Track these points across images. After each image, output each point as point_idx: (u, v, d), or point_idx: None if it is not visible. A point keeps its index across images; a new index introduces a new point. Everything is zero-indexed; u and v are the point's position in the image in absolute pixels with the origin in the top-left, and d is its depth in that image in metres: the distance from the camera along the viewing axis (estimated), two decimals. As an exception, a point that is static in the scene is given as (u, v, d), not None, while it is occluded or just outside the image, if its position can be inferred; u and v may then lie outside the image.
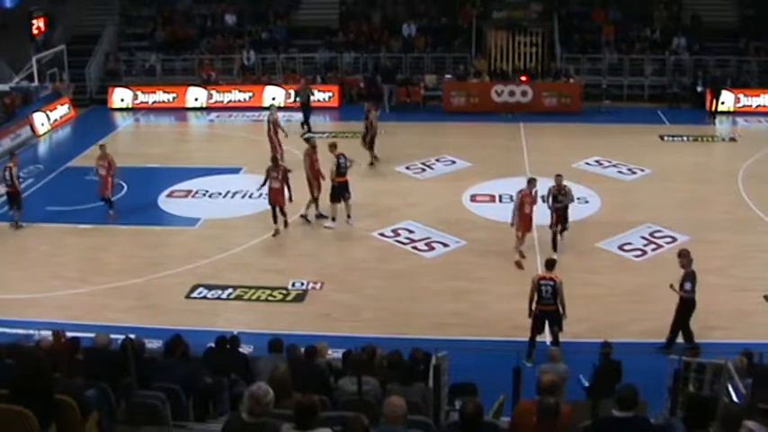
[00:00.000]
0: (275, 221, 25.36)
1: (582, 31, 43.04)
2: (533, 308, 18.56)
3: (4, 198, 27.22)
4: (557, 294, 18.41)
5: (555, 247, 23.53)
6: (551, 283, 18.50)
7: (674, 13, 43.31)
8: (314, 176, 26.20)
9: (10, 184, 26.58)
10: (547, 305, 18.47)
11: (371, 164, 31.52)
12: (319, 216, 26.60)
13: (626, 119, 37.43)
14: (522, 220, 23.08)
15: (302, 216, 26.49)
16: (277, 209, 25.29)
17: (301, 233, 25.84)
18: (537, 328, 18.64)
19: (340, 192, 26.01)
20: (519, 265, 23.12)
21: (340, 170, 25.90)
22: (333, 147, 26.38)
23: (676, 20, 43.04)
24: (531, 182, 23.45)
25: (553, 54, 41.55)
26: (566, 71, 40.10)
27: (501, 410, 14.37)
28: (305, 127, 35.89)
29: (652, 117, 37.91)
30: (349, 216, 26.21)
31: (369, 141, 31.56)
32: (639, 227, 25.19)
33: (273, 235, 25.32)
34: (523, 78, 40.00)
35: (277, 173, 25.28)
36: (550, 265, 18.86)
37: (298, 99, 38.33)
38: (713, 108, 38.02)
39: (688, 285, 18.58)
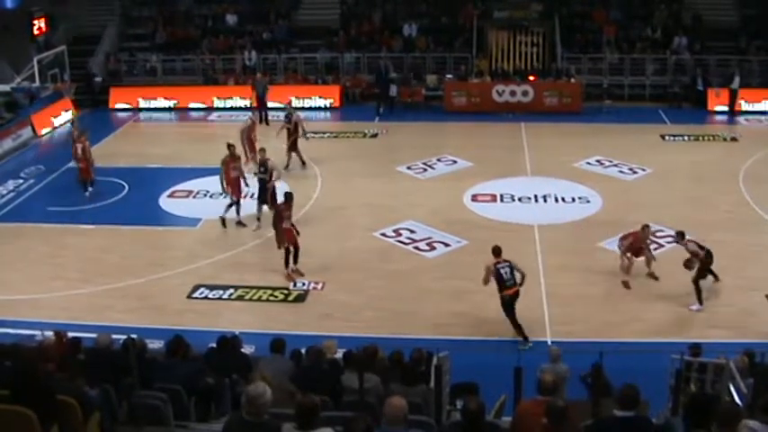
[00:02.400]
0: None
1: (583, 30, 43.01)
2: (500, 295, 19.21)
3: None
4: (514, 274, 19.10)
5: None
6: (507, 264, 19.24)
7: (674, 12, 43.28)
8: (228, 182, 26.26)
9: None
10: (510, 288, 19.15)
11: (287, 167, 30.92)
12: (239, 223, 26.58)
13: (627, 118, 37.41)
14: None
15: (221, 218, 26.55)
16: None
17: (302, 234, 25.77)
18: (511, 312, 19.25)
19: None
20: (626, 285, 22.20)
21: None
22: (262, 151, 26.67)
23: (677, 19, 43.01)
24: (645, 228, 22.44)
25: (554, 54, 41.52)
26: (567, 71, 40.09)
27: (502, 410, 14.39)
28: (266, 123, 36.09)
29: (653, 117, 37.90)
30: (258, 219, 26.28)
31: (291, 143, 31.20)
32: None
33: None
34: (531, 78, 39.97)
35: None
36: (498, 251, 19.41)
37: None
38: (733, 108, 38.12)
39: None
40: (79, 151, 28.80)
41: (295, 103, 38.35)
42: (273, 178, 26.05)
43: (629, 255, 22.29)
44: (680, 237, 21.17)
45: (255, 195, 26.34)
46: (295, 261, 23.04)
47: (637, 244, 22.37)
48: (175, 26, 46.47)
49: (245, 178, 26.27)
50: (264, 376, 11.55)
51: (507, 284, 19.11)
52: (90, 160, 29.03)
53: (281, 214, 23.15)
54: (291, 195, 23.57)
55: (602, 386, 13.76)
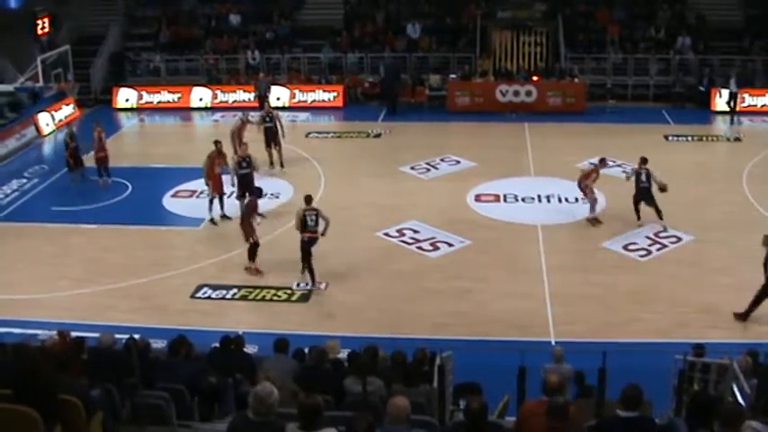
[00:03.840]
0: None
1: (586, 30, 42.98)
2: (302, 236, 22.10)
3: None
4: (318, 221, 22.08)
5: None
6: (314, 212, 22.15)
7: (678, 12, 43.26)
8: (211, 178, 26.55)
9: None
10: (312, 232, 22.09)
11: (272, 164, 31.23)
12: (224, 216, 26.92)
13: (630, 119, 37.37)
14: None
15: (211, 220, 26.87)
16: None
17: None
18: (307, 255, 22.17)
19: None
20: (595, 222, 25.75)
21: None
22: (244, 146, 27.15)
23: (681, 19, 42.99)
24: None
25: (557, 54, 41.50)
26: (570, 71, 40.06)
27: (506, 410, 14.40)
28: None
29: (657, 117, 37.86)
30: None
31: (278, 143, 31.17)
32: (644, 227, 25.16)
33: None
34: (535, 78, 39.95)
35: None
36: (308, 199, 22.50)
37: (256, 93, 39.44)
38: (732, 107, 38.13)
39: None
40: (99, 140, 29.66)
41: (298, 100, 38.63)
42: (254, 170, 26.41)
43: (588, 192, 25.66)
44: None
45: (236, 193, 26.47)
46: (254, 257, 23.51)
47: (588, 179, 25.80)
48: (179, 26, 46.49)
49: (238, 175, 26.25)
50: (269, 376, 11.55)
51: (308, 228, 21.99)
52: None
53: (254, 209, 23.55)
54: (261, 191, 24.74)
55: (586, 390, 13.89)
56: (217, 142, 27.20)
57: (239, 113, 32.68)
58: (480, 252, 24.22)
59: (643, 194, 25.26)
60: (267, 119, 30.85)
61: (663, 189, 25.18)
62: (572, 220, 26.26)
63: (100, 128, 30.24)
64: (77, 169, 29.75)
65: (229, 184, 26.51)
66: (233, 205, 26.34)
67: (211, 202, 26.86)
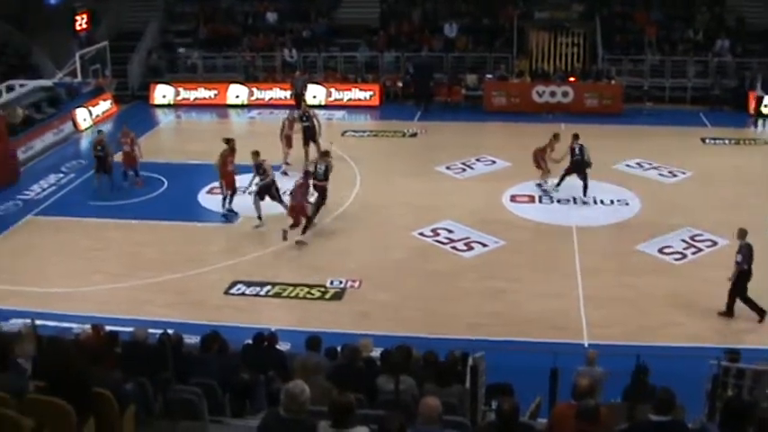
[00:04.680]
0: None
1: (624, 31, 42.78)
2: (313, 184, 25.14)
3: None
4: (327, 173, 25.40)
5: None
6: (324, 165, 25.41)
7: (717, 14, 42.95)
8: (223, 175, 26.94)
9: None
10: (320, 181, 25.27)
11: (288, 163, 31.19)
12: (230, 211, 27.17)
13: (667, 121, 37.15)
14: None
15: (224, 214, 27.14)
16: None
17: (340, 232, 25.86)
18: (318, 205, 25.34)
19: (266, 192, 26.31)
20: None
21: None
22: (256, 155, 26.59)
23: (720, 21, 42.67)
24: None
25: (595, 55, 41.34)
26: (607, 72, 39.90)
27: (537, 412, 14.35)
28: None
29: (694, 119, 37.58)
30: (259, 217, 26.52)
31: (316, 141, 31.09)
32: (680, 230, 25.03)
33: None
34: (572, 79, 39.82)
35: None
36: (326, 153, 26.33)
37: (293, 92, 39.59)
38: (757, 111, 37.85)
39: (739, 257, 19.79)
40: (129, 141, 29.84)
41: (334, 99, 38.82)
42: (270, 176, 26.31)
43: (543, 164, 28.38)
44: None
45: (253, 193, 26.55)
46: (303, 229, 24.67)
47: (544, 153, 28.42)
48: (216, 23, 46.66)
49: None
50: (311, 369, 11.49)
51: (318, 178, 25.34)
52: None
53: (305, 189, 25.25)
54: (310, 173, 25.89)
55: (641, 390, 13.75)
56: (229, 140, 27.45)
57: (287, 112, 32.76)
58: (515, 253, 24.16)
59: (576, 166, 27.72)
60: (304, 118, 30.95)
61: (589, 165, 27.65)
62: (607, 223, 26.15)
63: (127, 129, 30.54)
64: (102, 174, 29.58)
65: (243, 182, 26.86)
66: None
67: (224, 198, 27.15)
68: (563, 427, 9.74)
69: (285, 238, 24.60)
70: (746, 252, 19.89)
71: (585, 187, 27.48)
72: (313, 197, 25.53)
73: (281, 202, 26.14)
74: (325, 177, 25.81)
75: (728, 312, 20.22)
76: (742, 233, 20.19)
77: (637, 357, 15.02)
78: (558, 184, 28.08)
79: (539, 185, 28.60)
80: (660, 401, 9.40)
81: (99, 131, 31.55)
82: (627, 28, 43.09)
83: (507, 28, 42.93)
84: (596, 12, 42.47)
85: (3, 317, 18.01)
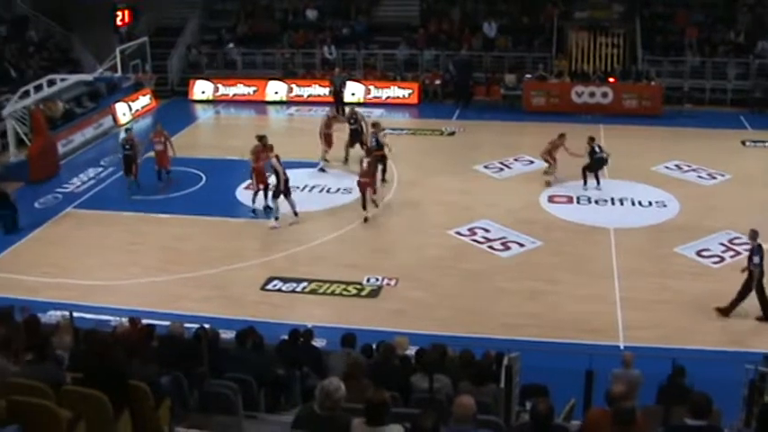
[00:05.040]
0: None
1: (664, 32, 42.45)
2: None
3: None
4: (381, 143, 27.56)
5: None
6: (375, 136, 27.79)
7: (758, 16, 42.56)
8: (255, 171, 26.96)
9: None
10: (378, 150, 27.04)
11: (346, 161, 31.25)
12: (268, 207, 26.92)
13: (707, 123, 36.85)
14: None
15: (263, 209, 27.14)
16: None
17: (377, 229, 25.88)
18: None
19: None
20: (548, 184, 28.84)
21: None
22: (270, 148, 26.77)
23: (761, 23, 42.29)
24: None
25: (635, 55, 41.10)
26: (647, 73, 39.66)
27: (572, 414, 14.30)
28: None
29: (734, 122, 37.27)
30: (295, 213, 26.53)
31: (363, 143, 30.57)
32: (718, 233, 24.84)
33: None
34: (611, 80, 39.61)
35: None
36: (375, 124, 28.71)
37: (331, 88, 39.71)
38: None
39: (756, 259, 19.76)
40: (163, 140, 29.52)
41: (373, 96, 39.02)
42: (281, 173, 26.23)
43: (548, 158, 29.38)
44: None
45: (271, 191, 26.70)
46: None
47: (553, 150, 29.28)
48: (256, 20, 46.81)
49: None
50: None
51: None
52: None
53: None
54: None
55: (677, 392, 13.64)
56: (261, 137, 27.48)
57: (326, 109, 32.79)
58: (552, 253, 24.08)
59: (599, 163, 28.62)
60: (352, 120, 31.04)
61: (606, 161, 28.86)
62: (645, 224, 25.99)
63: (161, 127, 30.38)
64: (130, 176, 29.33)
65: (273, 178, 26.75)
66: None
67: (255, 194, 27.21)
68: (596, 431, 9.68)
69: (377, 205, 26.90)
70: (760, 252, 19.92)
71: (598, 181, 28.76)
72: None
73: (288, 200, 26.33)
74: (380, 147, 28.21)
75: (765, 316, 20.07)
76: (755, 234, 20.22)
77: (672, 360, 14.95)
78: (591, 182, 28.47)
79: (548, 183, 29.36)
80: (696, 405, 9.33)
81: (127, 129, 31.46)
82: (667, 29, 42.74)
83: (547, 27, 42.77)
84: (637, 12, 42.20)
85: (41, 308, 18.06)
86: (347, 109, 33.10)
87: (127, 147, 29.13)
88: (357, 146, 30.62)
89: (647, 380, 15.03)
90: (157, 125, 30.53)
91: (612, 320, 20.19)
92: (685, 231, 24.98)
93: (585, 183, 28.50)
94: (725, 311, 20.25)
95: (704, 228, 24.98)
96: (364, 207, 26.17)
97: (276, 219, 26.06)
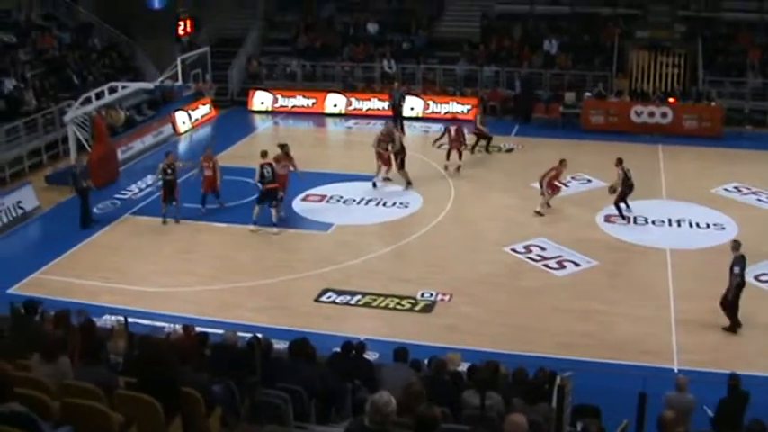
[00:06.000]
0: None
1: (726, 53, 42.10)
2: (262, 188, 26.42)
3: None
4: (275, 175, 26.42)
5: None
6: (270, 167, 26.47)
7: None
8: (277, 179, 27.14)
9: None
10: (270, 184, 26.33)
11: (409, 184, 30.68)
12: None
13: (768, 146, 36.51)
14: None
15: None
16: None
17: (433, 244, 25.86)
18: (265, 202, 26.63)
19: (268, 197, 26.81)
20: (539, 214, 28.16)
21: (266, 178, 26.59)
22: (263, 155, 27.31)
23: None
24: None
25: (695, 76, 40.80)
26: (708, 94, 39.32)
27: (624, 435, 14.18)
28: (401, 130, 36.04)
29: (796, 145, 36.85)
30: (275, 222, 27.06)
31: (399, 163, 30.54)
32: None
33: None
34: (671, 100, 39.30)
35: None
36: (264, 154, 26.97)
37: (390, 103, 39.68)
38: None
39: (737, 269, 20.13)
40: (212, 165, 28.53)
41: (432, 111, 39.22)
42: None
43: (549, 190, 28.29)
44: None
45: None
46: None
47: (556, 179, 28.43)
48: (317, 32, 47.03)
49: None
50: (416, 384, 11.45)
51: (266, 181, 26.27)
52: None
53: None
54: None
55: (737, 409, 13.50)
56: (283, 146, 28.04)
57: (383, 124, 32.75)
58: (607, 273, 23.95)
59: (630, 189, 27.56)
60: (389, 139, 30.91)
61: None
62: (702, 247, 25.74)
63: (211, 152, 29.43)
64: (169, 202, 27.82)
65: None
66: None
67: (281, 200, 27.64)
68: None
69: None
70: (742, 263, 20.24)
71: (626, 207, 28.06)
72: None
73: (277, 210, 27.08)
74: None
75: (732, 327, 20.54)
76: (736, 245, 20.57)
77: (729, 385, 14.79)
78: (628, 208, 28.03)
79: (538, 212, 28.21)
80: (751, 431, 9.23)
81: (168, 153, 28.98)
82: (729, 50, 42.37)
83: (608, 46, 42.58)
84: (698, 33, 41.88)
85: (96, 313, 18.26)
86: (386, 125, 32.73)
87: (169, 171, 27.57)
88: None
89: (701, 404, 14.89)
90: (208, 149, 29.63)
91: (667, 343, 20.02)
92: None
93: (622, 213, 27.81)
94: (731, 328, 20.48)
95: (763, 252, 24.61)
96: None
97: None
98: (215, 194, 28.87)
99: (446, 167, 32.14)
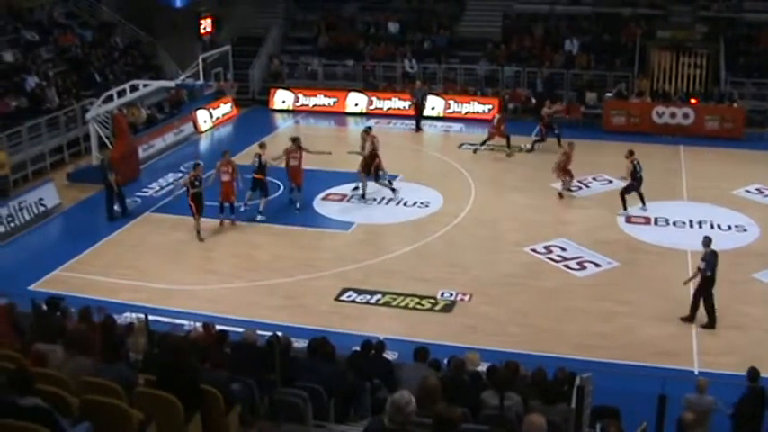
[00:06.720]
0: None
1: (748, 54, 41.91)
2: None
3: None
4: (263, 167, 27.45)
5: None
6: (257, 158, 27.53)
7: None
8: (289, 170, 28.37)
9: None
10: (257, 174, 27.50)
11: (363, 197, 29.75)
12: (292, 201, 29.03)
13: (790, 147, 36.30)
14: None
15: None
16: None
17: (453, 244, 25.84)
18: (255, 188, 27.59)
19: (258, 186, 27.79)
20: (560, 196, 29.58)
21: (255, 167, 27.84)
22: (262, 146, 28.46)
23: None
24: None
25: (717, 77, 40.63)
26: (730, 95, 39.15)
27: (644, 436, 14.16)
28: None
29: (818, 146, 36.66)
30: (260, 210, 27.94)
31: (374, 169, 29.43)
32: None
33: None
34: (693, 101, 39.15)
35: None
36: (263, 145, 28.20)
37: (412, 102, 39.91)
38: None
39: (702, 264, 20.81)
40: (231, 170, 27.35)
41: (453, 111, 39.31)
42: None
43: (566, 177, 29.55)
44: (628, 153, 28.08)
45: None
46: None
47: (568, 164, 29.56)
48: (338, 32, 47.09)
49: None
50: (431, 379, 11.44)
51: (257, 171, 27.26)
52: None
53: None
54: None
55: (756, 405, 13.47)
56: (295, 139, 28.80)
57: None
58: (627, 274, 23.88)
59: (640, 182, 27.90)
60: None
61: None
62: (723, 248, 25.56)
63: (229, 156, 28.09)
64: (199, 216, 26.52)
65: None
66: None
67: (291, 191, 28.69)
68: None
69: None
70: (711, 259, 20.64)
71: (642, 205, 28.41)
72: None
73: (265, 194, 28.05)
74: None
75: (691, 318, 20.98)
76: (707, 241, 21.06)
77: (748, 387, 14.75)
78: (644, 207, 28.28)
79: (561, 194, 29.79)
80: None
81: (197, 164, 27.45)
82: (751, 51, 42.19)
83: (629, 47, 42.44)
84: (720, 33, 41.69)
85: (117, 310, 18.31)
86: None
87: (197, 183, 26.39)
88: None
89: (720, 407, 14.85)
90: (226, 153, 28.30)
91: (687, 344, 19.97)
92: (764, 257, 24.62)
93: (625, 207, 28.11)
94: (689, 318, 21.08)
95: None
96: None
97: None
98: (230, 204, 27.44)
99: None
